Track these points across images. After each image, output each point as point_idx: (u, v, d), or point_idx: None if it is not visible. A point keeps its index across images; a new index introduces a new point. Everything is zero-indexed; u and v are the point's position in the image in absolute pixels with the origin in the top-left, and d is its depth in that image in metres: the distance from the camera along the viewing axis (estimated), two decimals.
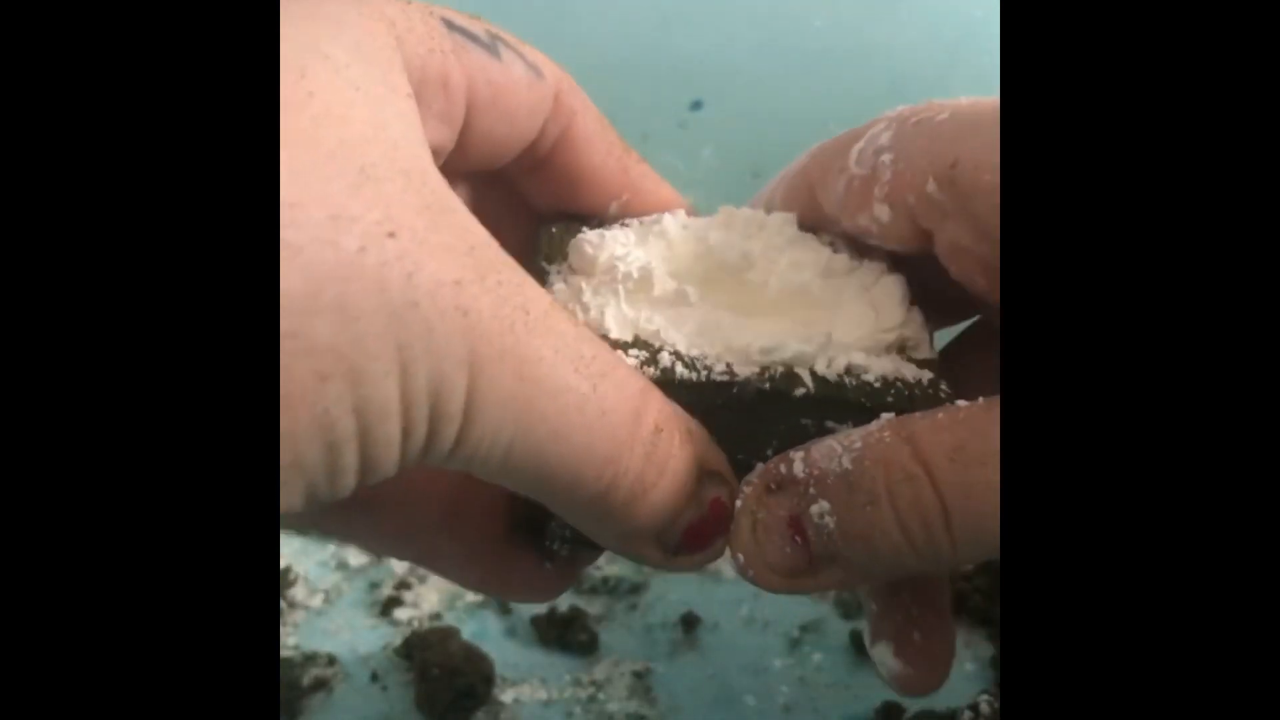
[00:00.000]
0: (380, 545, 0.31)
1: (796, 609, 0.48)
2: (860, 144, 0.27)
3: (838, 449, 0.25)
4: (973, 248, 0.25)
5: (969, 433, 0.23)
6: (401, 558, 0.31)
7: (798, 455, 0.25)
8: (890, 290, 0.28)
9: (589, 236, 0.29)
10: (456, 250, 0.21)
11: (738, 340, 0.26)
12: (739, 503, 0.26)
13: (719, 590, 0.50)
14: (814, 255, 0.28)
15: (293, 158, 0.19)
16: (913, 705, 0.43)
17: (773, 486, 0.25)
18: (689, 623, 0.47)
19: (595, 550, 0.30)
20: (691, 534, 0.26)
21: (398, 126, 0.22)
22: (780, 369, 0.26)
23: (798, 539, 0.25)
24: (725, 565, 0.51)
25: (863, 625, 0.46)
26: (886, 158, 0.26)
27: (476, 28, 0.27)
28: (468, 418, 0.21)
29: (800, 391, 0.26)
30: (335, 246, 0.19)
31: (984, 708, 0.43)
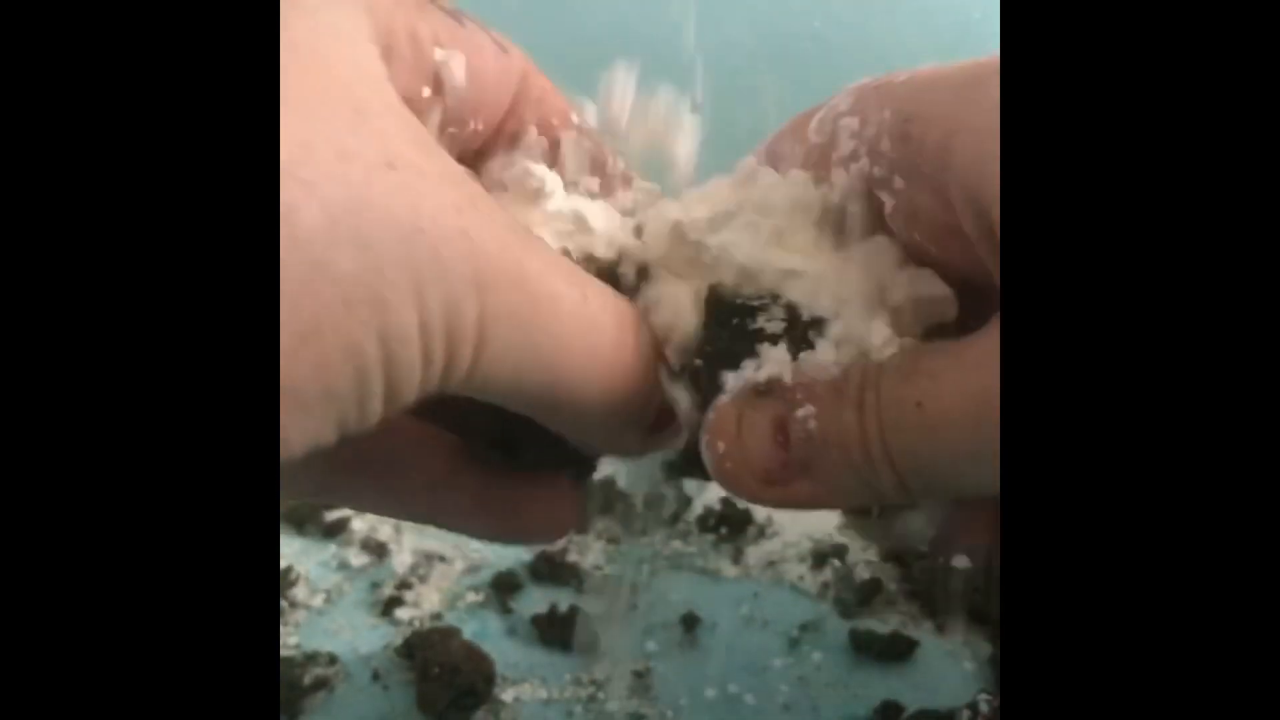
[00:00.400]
0: (388, 506, 0.31)
1: (796, 609, 0.48)
2: (820, 113, 0.28)
3: (827, 362, 0.25)
4: (925, 209, 0.25)
5: (910, 354, 0.24)
6: (410, 517, 0.32)
7: (787, 367, 0.26)
8: (880, 249, 0.28)
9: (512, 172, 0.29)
10: (450, 178, 0.22)
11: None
12: (725, 398, 0.26)
13: (719, 590, 0.50)
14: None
15: (295, 101, 0.20)
16: (912, 704, 0.43)
17: (762, 390, 0.26)
18: (689, 622, 0.47)
19: (567, 465, 0.30)
20: (662, 415, 0.27)
21: (372, 68, 0.23)
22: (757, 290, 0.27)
23: (779, 439, 0.25)
24: (725, 564, 0.51)
25: (862, 624, 0.47)
26: (844, 122, 0.27)
27: (440, 0, 0.27)
28: (480, 337, 0.22)
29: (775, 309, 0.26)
30: (345, 181, 0.20)
31: (983, 707, 0.43)
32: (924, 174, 0.24)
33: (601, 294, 0.25)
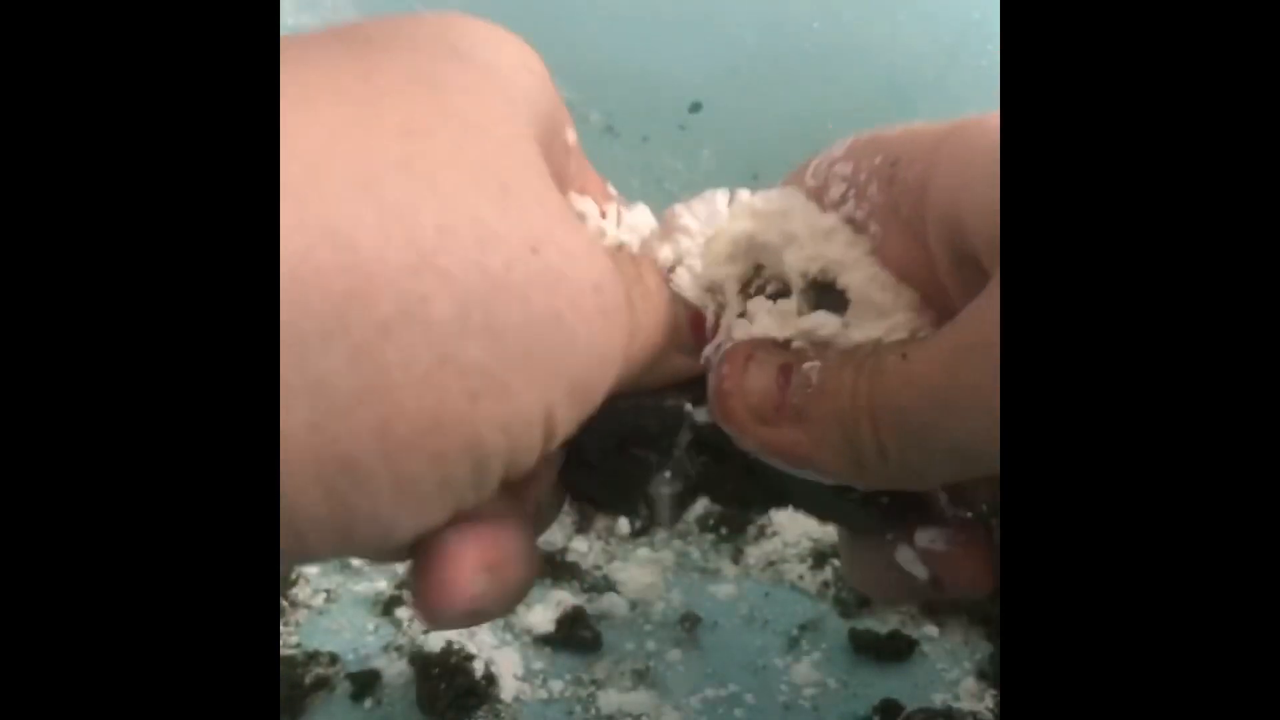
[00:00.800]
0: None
1: (796, 608, 0.49)
2: (817, 159, 0.28)
3: (846, 337, 0.26)
4: (898, 250, 0.26)
5: (914, 331, 0.25)
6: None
7: (809, 337, 0.26)
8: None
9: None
10: (590, 253, 0.22)
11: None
12: (744, 338, 0.27)
13: (719, 590, 0.50)
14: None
15: (441, 181, 0.20)
16: (911, 703, 0.43)
17: (779, 342, 0.26)
18: (689, 622, 0.47)
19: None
20: (693, 325, 0.28)
21: (526, 131, 0.22)
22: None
23: (781, 381, 0.25)
24: (725, 565, 0.51)
25: (861, 624, 0.47)
26: (838, 168, 0.27)
27: None
28: (600, 397, 0.22)
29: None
30: (482, 269, 0.19)
31: (982, 707, 0.43)
32: (902, 215, 0.25)
33: (658, 288, 0.26)
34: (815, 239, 0.27)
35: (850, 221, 0.27)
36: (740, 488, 0.28)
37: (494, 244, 0.20)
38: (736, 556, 0.52)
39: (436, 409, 0.19)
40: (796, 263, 0.27)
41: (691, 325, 0.27)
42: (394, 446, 0.19)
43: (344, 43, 0.21)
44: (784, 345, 0.26)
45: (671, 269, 0.28)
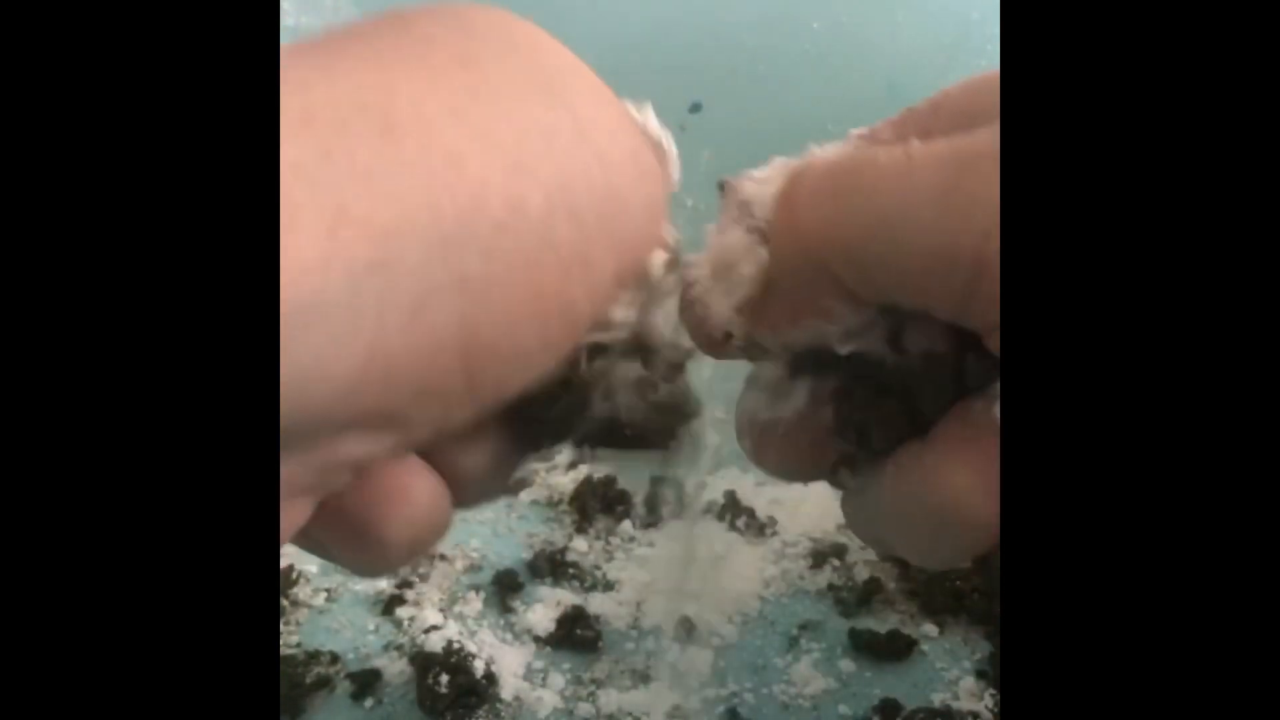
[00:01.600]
0: None
1: (796, 608, 0.49)
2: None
3: None
4: None
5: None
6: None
7: None
8: None
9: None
10: (625, 127, 0.25)
11: None
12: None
13: (719, 590, 0.50)
14: None
15: (504, 99, 0.23)
16: (910, 703, 0.43)
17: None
18: (689, 621, 0.47)
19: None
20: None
21: (566, 52, 0.25)
22: None
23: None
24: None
25: (861, 624, 0.47)
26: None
27: None
28: (653, 240, 0.26)
29: None
30: (553, 161, 0.23)
31: (981, 707, 0.43)
32: (943, 116, 0.26)
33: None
34: None
35: (882, 143, 0.27)
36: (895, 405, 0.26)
37: (554, 138, 0.23)
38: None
39: (540, 284, 0.23)
40: None
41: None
42: (514, 322, 0.23)
43: (429, 34, 0.24)
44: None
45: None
